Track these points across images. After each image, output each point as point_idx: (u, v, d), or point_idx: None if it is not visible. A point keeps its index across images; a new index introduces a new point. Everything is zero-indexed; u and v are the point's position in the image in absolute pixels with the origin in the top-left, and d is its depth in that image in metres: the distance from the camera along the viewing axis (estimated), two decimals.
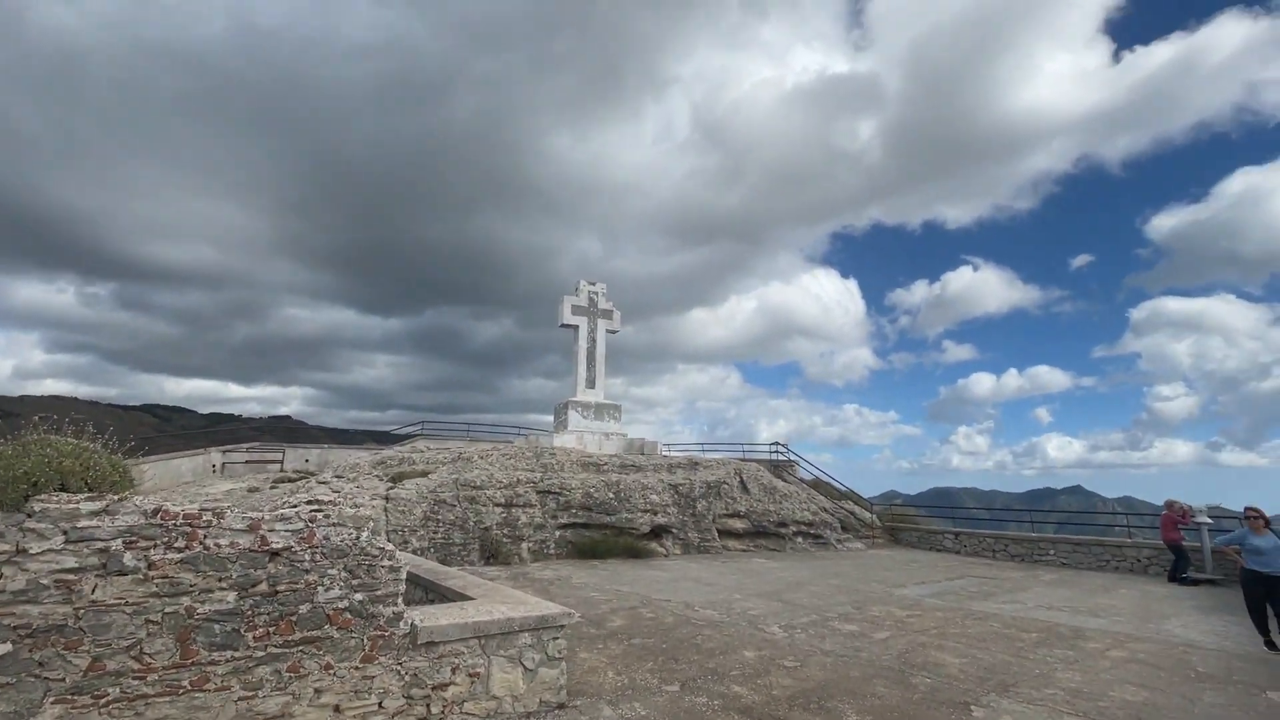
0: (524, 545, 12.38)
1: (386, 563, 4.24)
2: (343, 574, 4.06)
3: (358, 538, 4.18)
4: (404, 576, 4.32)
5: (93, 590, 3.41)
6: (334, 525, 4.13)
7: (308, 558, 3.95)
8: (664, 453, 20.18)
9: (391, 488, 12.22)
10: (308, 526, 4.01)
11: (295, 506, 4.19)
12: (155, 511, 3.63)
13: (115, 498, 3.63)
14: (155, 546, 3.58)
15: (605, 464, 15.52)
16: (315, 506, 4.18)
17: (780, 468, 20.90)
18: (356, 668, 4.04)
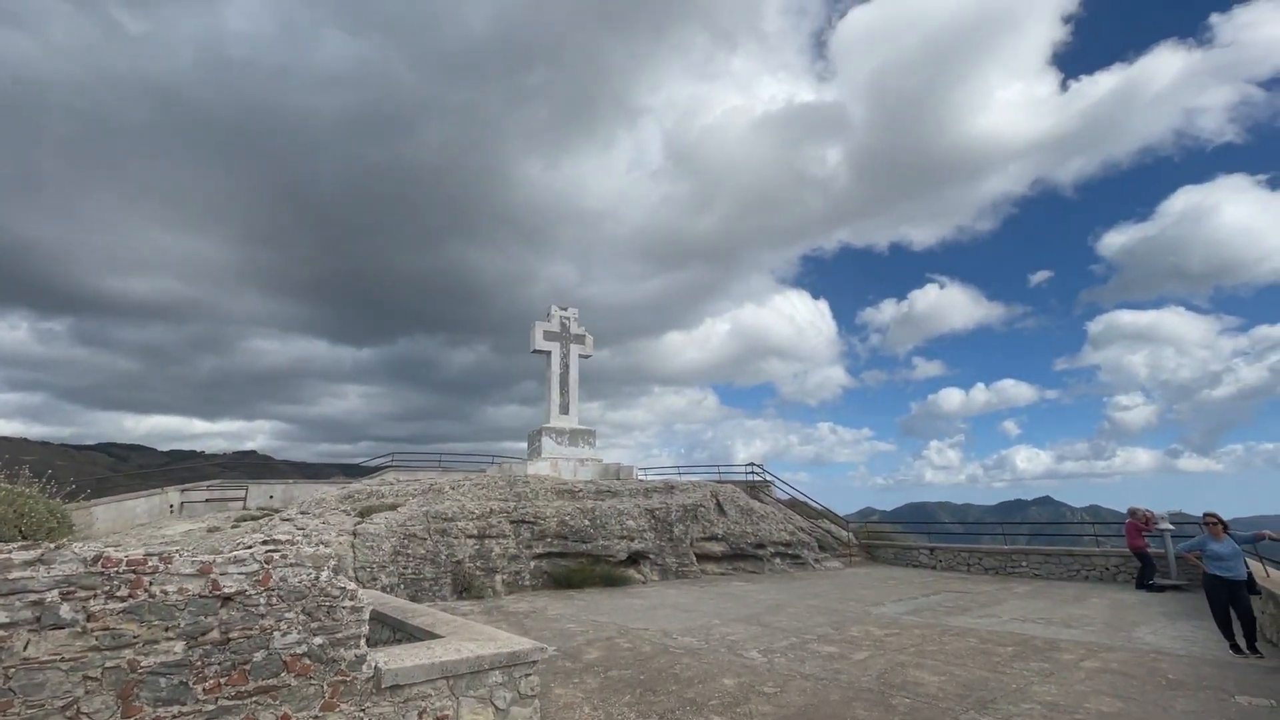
0: (498, 577, 12.16)
1: (348, 603, 4.06)
2: (301, 617, 3.87)
3: (317, 578, 3.99)
4: (367, 616, 4.14)
5: (25, 647, 3.18)
6: (291, 565, 3.94)
7: (263, 601, 3.75)
8: (640, 477, 20.08)
9: (359, 522, 11.89)
10: (263, 568, 3.81)
11: (250, 547, 4.00)
12: (96, 559, 3.42)
13: (52, 545, 3.41)
14: (95, 596, 3.37)
15: (580, 491, 15.36)
16: (271, 546, 4.00)
17: (757, 488, 20.96)
18: (316, 717, 3.82)
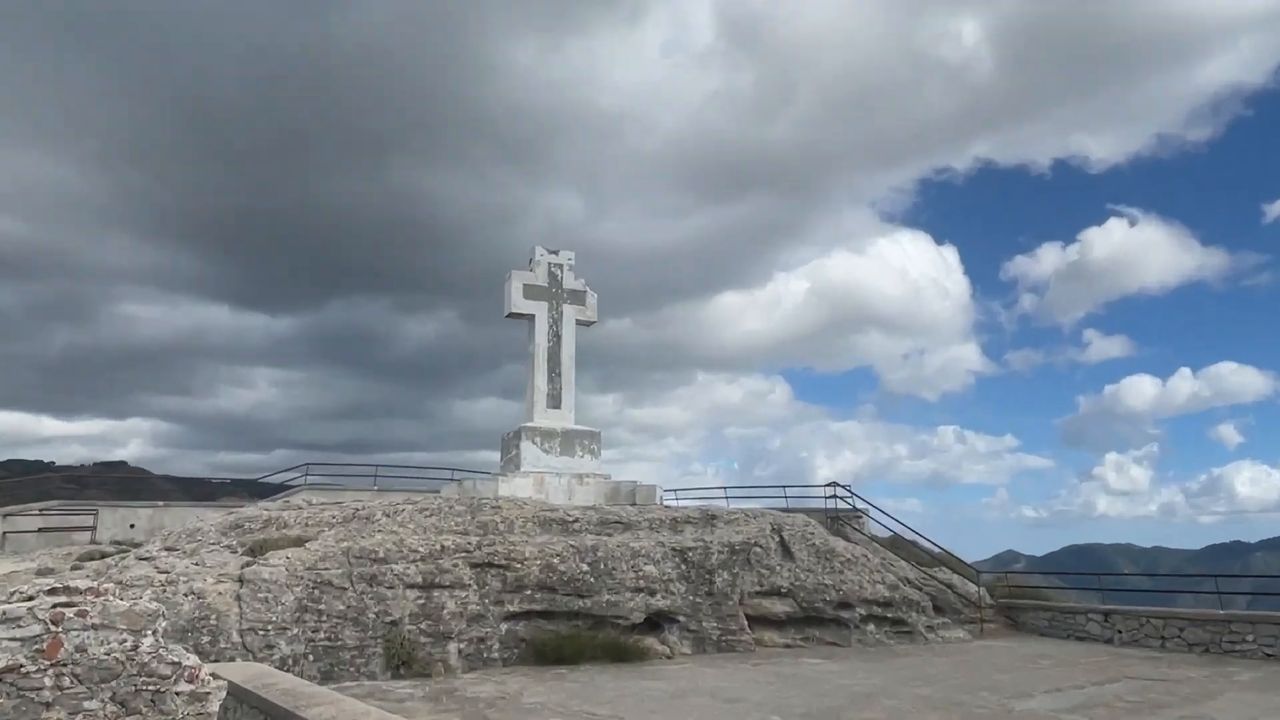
0: (452, 646, 12.12)
1: (185, 686, 3.86)
2: (110, 707, 3.67)
3: (136, 647, 3.79)
4: (216, 708, 3.93)
5: None
6: (94, 628, 3.74)
7: (49, 682, 3.56)
8: (667, 502, 20.00)
9: (249, 564, 11.95)
10: (49, 632, 3.62)
11: (31, 598, 3.79)
12: None
13: None
14: None
15: (577, 521, 15.32)
16: (64, 600, 3.78)
17: (842, 521, 20.80)
18: None
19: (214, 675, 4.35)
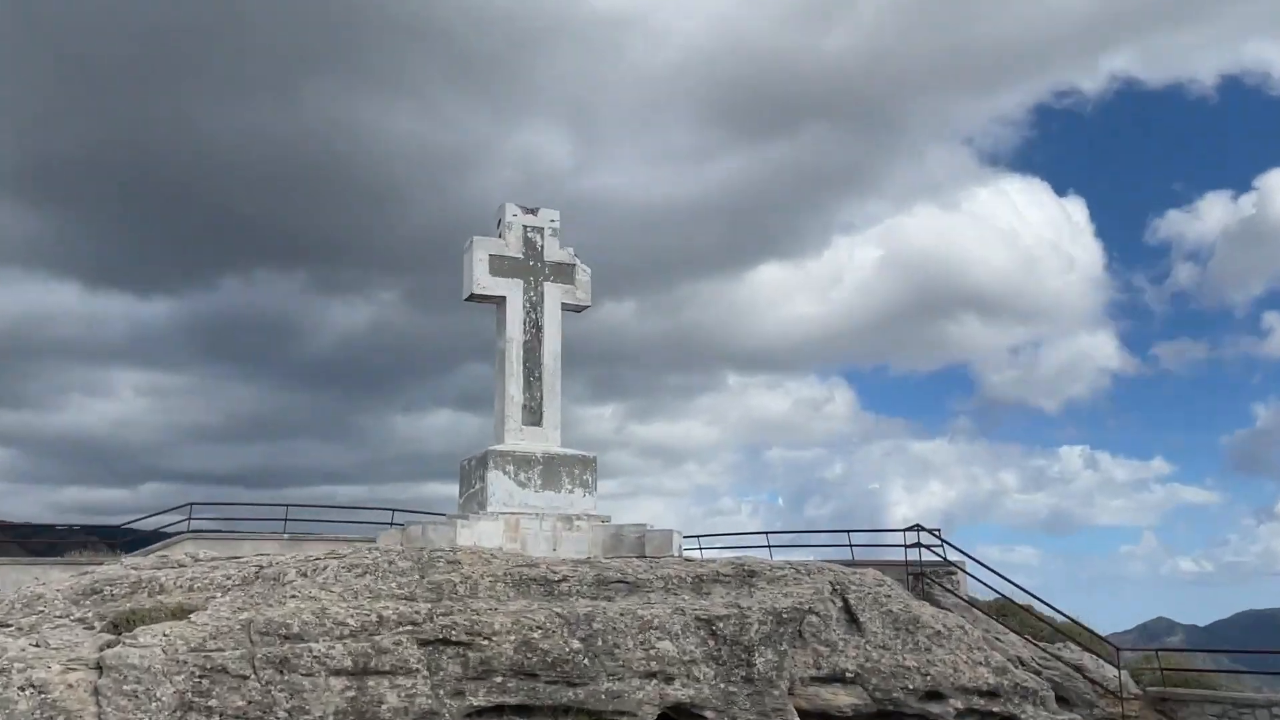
0: None
1: None
2: None
3: None
4: None
5: None
6: None
7: None
8: (687, 553, 19.83)
9: (111, 644, 11.81)
10: None
11: None
12: None
13: None
14: None
15: (565, 580, 15.26)
16: None
17: (929, 578, 20.79)
18: None
19: None
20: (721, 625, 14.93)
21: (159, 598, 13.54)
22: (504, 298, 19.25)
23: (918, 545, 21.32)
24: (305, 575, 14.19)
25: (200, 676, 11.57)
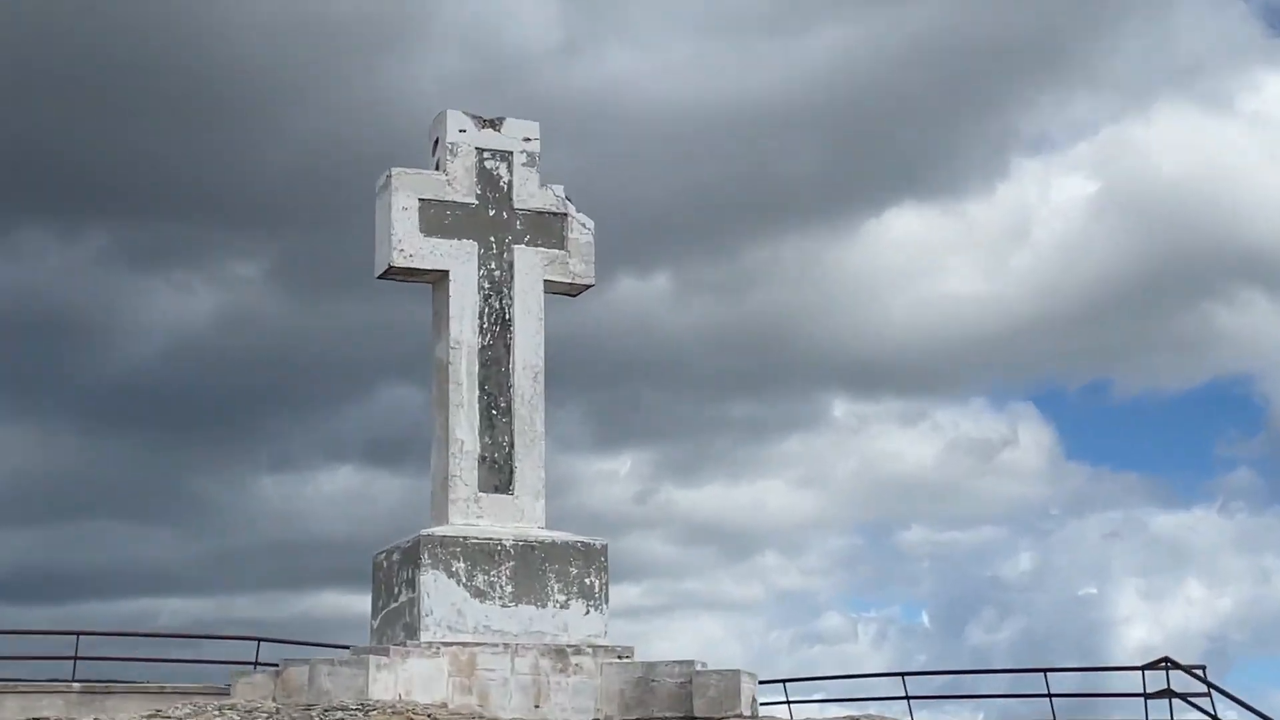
0: None
1: None
2: None
3: None
4: None
5: None
6: None
7: None
8: (765, 708, 15.09)
9: None
10: None
11: None
12: None
13: None
14: None
15: None
16: None
17: None
18: None
19: None
20: None
21: None
22: (446, 272, 14.07)
23: (1167, 694, 18.30)
24: None
25: None
